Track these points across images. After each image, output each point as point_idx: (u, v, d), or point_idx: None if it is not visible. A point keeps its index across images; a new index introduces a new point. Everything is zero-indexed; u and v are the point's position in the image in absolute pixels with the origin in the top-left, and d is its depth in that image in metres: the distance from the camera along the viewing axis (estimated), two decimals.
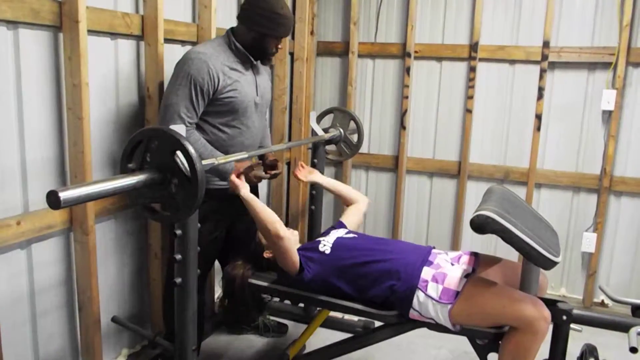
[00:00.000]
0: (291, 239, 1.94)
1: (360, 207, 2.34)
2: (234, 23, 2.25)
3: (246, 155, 1.96)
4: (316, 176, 2.47)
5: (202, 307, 2.30)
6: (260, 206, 1.92)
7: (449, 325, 1.80)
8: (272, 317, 2.81)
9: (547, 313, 1.70)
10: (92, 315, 2.03)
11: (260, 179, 2.17)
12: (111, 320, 2.04)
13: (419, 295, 1.82)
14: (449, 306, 1.78)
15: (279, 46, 2.22)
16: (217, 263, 2.55)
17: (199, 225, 1.70)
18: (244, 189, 1.93)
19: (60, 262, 2.00)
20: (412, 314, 1.85)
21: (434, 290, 1.81)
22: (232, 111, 2.13)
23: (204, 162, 1.58)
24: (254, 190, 2.44)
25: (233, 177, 1.92)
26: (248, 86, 2.17)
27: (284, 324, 2.80)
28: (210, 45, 2.15)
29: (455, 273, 1.86)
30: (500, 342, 1.80)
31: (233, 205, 2.06)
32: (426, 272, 1.86)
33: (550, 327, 1.77)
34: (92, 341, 2.05)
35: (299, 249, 2.04)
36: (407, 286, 1.84)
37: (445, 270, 1.88)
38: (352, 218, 2.28)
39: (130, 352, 2.40)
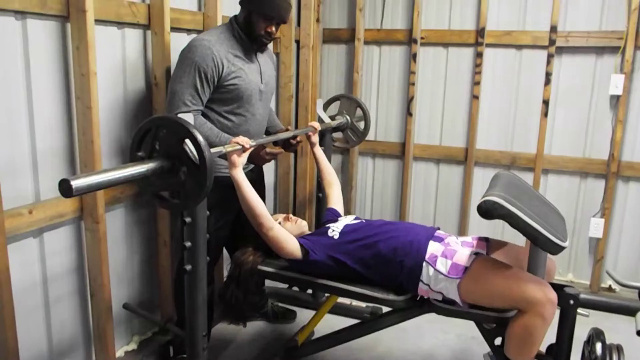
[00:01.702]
0: (274, 227, 1.90)
1: (339, 190, 2.39)
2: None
3: (254, 143, 1.96)
4: (316, 145, 2.47)
5: (212, 294, 2.33)
6: (248, 191, 1.85)
7: (457, 299, 1.82)
8: (280, 304, 2.84)
9: (553, 295, 1.70)
10: (103, 302, 2.06)
11: (272, 155, 2.16)
12: (123, 307, 2.07)
13: (429, 269, 1.84)
14: (457, 281, 1.79)
15: (269, 29, 2.13)
16: (225, 251, 2.58)
17: (207, 212, 1.72)
18: (236, 168, 1.84)
19: (71, 250, 2.03)
20: (422, 289, 1.87)
21: (442, 265, 1.83)
22: (237, 98, 2.14)
23: (213, 150, 1.58)
24: (260, 178, 2.46)
25: (234, 156, 1.83)
26: (252, 74, 2.18)
27: (293, 311, 2.82)
28: (215, 32, 2.15)
29: (464, 251, 1.88)
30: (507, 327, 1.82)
31: None
32: (435, 248, 1.89)
33: (557, 311, 1.77)
34: (104, 327, 2.08)
35: (306, 236, 2.05)
36: (415, 260, 1.86)
37: (455, 247, 1.91)
38: (339, 205, 2.33)
39: (142, 339, 2.44)
